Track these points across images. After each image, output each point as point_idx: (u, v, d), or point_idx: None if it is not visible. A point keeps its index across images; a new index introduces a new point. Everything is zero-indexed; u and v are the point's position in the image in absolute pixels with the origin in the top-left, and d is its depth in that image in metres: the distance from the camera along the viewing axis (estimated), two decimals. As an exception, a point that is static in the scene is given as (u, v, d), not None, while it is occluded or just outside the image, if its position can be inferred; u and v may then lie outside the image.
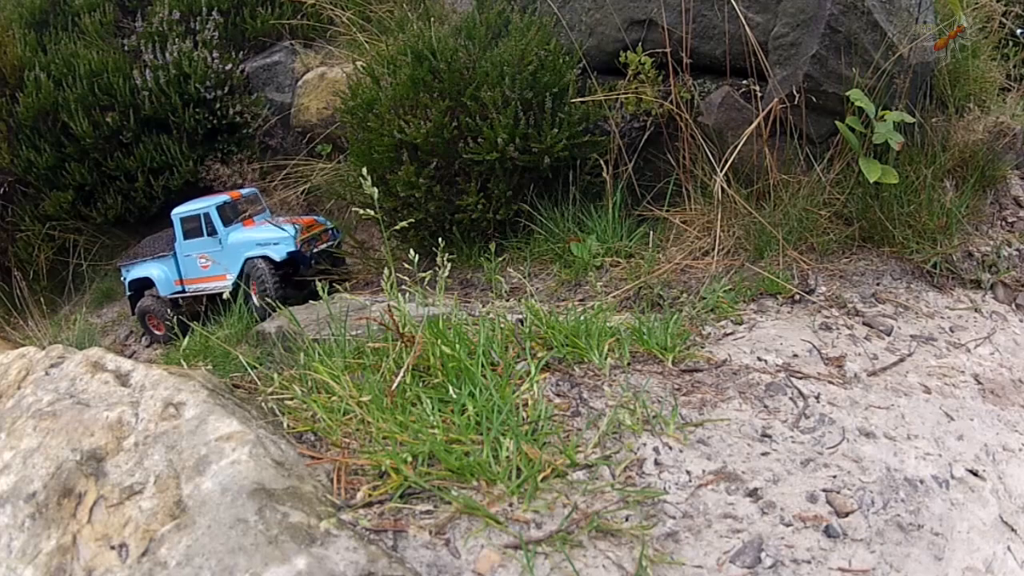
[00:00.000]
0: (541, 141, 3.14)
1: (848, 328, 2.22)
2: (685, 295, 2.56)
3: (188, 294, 4.70)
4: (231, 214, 4.56)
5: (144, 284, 4.79)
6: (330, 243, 4.55)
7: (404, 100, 3.37)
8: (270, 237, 4.34)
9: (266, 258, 4.30)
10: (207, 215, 4.49)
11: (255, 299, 4.31)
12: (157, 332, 4.81)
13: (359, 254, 4.41)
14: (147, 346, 4.80)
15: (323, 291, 1.78)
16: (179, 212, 4.61)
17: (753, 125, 2.73)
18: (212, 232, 4.50)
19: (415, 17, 4.13)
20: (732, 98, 3.03)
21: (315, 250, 4.38)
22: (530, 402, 1.58)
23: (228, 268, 4.49)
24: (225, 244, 4.47)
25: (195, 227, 4.55)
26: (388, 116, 3.39)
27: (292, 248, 4.29)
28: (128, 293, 4.90)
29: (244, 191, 4.79)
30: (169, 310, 4.67)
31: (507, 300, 2.71)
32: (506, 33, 3.39)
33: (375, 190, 1.72)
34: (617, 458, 1.45)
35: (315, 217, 4.67)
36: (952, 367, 2.04)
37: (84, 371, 1.47)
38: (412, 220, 3.16)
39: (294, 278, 4.41)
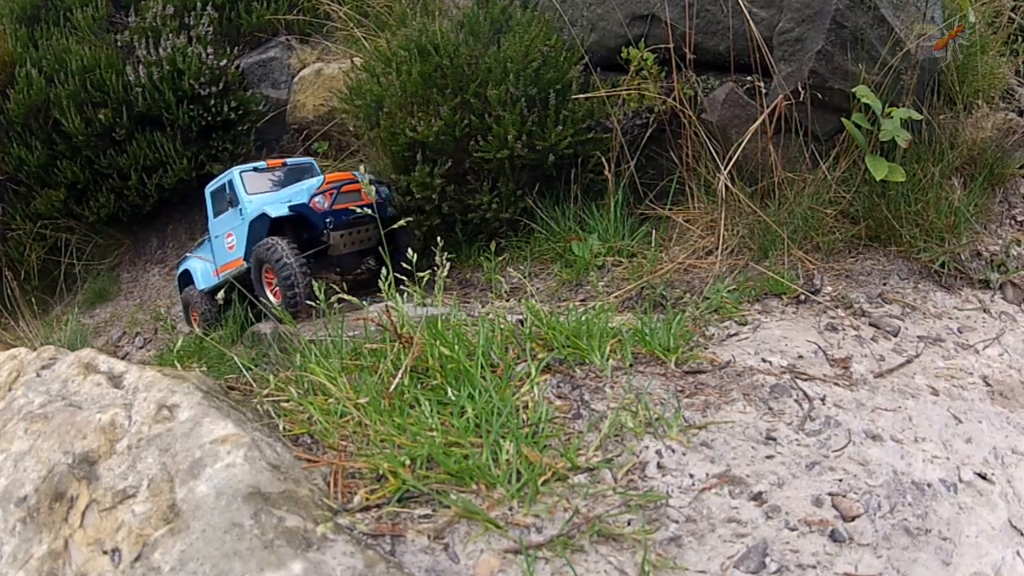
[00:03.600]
0: (545, 139, 3.11)
1: (854, 329, 2.19)
2: (688, 295, 2.54)
3: (222, 283, 3.74)
4: (267, 184, 3.60)
5: (190, 280, 4.09)
6: (377, 202, 3.17)
7: (414, 97, 3.28)
8: (283, 195, 3.33)
9: (264, 220, 3.27)
10: (231, 182, 3.60)
11: (271, 298, 3.19)
12: (198, 331, 4.03)
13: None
14: (140, 347, 4.72)
15: (320, 291, 1.76)
16: (210, 186, 3.80)
17: (757, 122, 2.70)
18: (234, 203, 3.58)
19: (418, 11, 4.08)
20: (736, 95, 3.00)
21: (332, 206, 3.14)
22: (530, 404, 1.56)
23: (241, 245, 3.52)
24: (245, 215, 3.48)
25: (224, 201, 3.68)
26: (399, 114, 3.31)
27: (301, 201, 3.15)
28: (181, 295, 4.25)
29: (292, 160, 3.86)
30: (209, 305, 3.82)
31: (507, 300, 2.69)
32: (507, 28, 3.36)
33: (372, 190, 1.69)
34: (619, 461, 1.42)
35: (353, 172, 3.46)
36: (960, 369, 2.01)
37: (76, 372, 1.45)
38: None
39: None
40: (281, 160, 3.79)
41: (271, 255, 3.06)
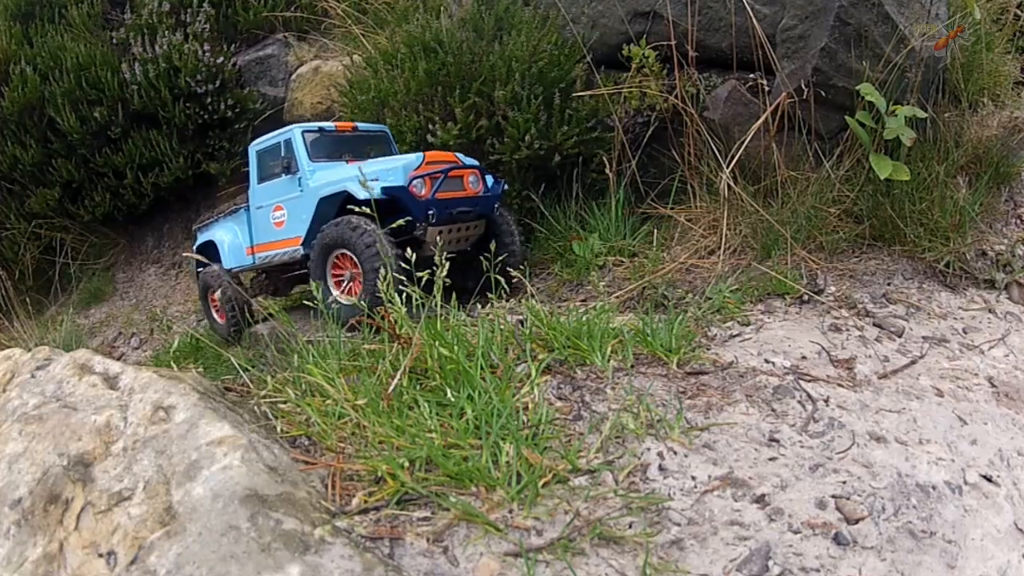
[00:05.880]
0: (550, 138, 3.10)
1: (858, 329, 2.17)
2: (690, 295, 2.52)
3: (257, 265, 3.20)
4: (332, 149, 3.01)
5: (213, 254, 3.50)
6: (484, 195, 2.76)
7: (419, 95, 3.24)
8: (367, 170, 2.60)
9: (337, 199, 2.69)
10: (288, 142, 2.99)
11: (335, 293, 2.56)
12: (220, 320, 3.42)
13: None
14: (136, 348, 4.70)
15: (317, 290, 1.74)
16: (257, 143, 3.24)
17: (760, 120, 2.69)
18: (291, 168, 2.95)
19: (420, 8, 4.06)
20: (738, 92, 2.98)
21: (435, 195, 2.54)
22: (531, 405, 1.55)
23: (299, 225, 2.91)
24: (306, 187, 2.87)
25: (275, 165, 3.03)
26: (405, 112, 3.28)
27: (396, 184, 2.54)
28: (197, 270, 3.61)
29: (364, 124, 3.29)
30: (233, 292, 3.19)
31: (507, 300, 2.67)
32: (510, 26, 3.35)
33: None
34: (620, 463, 1.41)
35: (456, 154, 2.94)
36: (965, 369, 1.99)
37: (71, 373, 1.44)
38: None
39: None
40: (351, 123, 3.23)
41: (358, 237, 2.43)
